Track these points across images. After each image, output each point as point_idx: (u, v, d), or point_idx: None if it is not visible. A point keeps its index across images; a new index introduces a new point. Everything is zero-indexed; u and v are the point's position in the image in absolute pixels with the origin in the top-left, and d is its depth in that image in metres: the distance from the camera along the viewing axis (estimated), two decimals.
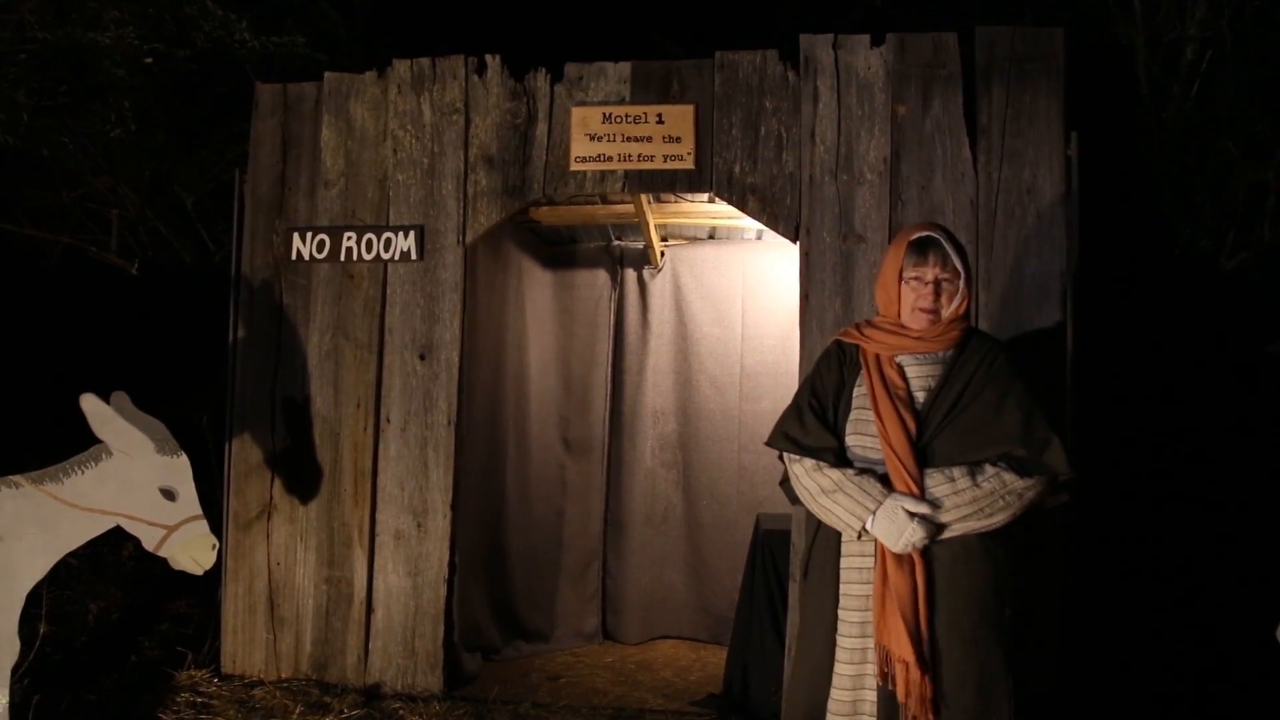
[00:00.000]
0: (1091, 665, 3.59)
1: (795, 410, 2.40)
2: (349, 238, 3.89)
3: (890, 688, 2.14)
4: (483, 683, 4.02)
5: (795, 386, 3.62)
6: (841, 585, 2.26)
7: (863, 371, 2.33)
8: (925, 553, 2.17)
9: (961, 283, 2.30)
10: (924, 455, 2.21)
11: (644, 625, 4.93)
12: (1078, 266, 3.41)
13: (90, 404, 2.68)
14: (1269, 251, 4.46)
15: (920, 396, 2.26)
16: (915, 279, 2.31)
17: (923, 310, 2.30)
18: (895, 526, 2.14)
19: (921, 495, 2.16)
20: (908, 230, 2.39)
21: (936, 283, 2.29)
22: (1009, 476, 2.17)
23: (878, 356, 2.33)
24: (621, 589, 4.96)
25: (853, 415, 2.32)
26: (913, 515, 2.14)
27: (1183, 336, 4.58)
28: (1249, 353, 4.49)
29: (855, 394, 2.33)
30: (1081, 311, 3.43)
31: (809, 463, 2.29)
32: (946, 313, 2.30)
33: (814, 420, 2.34)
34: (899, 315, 2.34)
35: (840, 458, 2.29)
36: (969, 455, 2.20)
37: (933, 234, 2.32)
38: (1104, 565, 3.96)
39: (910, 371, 2.29)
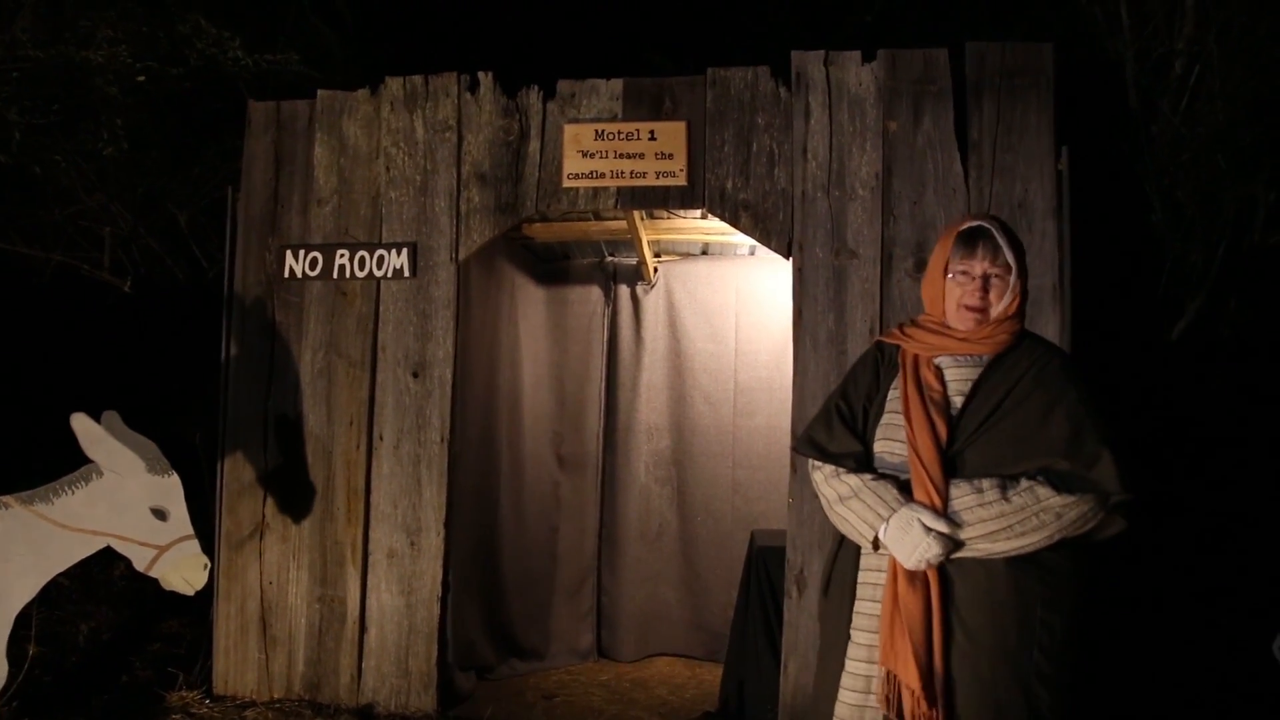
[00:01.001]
0: (1090, 673, 3.58)
1: (824, 415, 2.21)
2: (342, 255, 3.89)
3: (895, 718, 1.93)
4: (477, 702, 3.99)
5: (789, 402, 3.63)
6: (855, 602, 2.07)
7: (899, 374, 2.13)
8: (944, 575, 1.95)
9: (1013, 278, 2.07)
10: (954, 465, 1.99)
11: (639, 642, 4.91)
12: (1070, 280, 3.42)
13: (81, 423, 2.67)
14: (1259, 263, 4.48)
15: (958, 401, 2.05)
16: (962, 273, 2.09)
17: (968, 308, 2.07)
18: (909, 539, 1.93)
19: (944, 507, 1.94)
20: (958, 220, 2.19)
21: (985, 278, 2.07)
22: (1044, 491, 1.91)
23: (915, 358, 2.12)
24: (616, 606, 4.94)
25: (884, 419, 2.12)
26: (929, 530, 1.92)
27: (1176, 350, 4.59)
28: (1244, 364, 4.51)
29: (890, 397, 2.13)
30: (1075, 325, 3.44)
31: (828, 469, 2.12)
32: (996, 311, 2.07)
33: (841, 426, 2.15)
34: (944, 314, 2.13)
35: (863, 464, 2.10)
36: (1005, 467, 1.97)
37: (984, 224, 2.11)
38: (1104, 577, 3.96)
39: (949, 374, 2.09)
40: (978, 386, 2.05)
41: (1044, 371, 2.03)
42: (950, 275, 2.11)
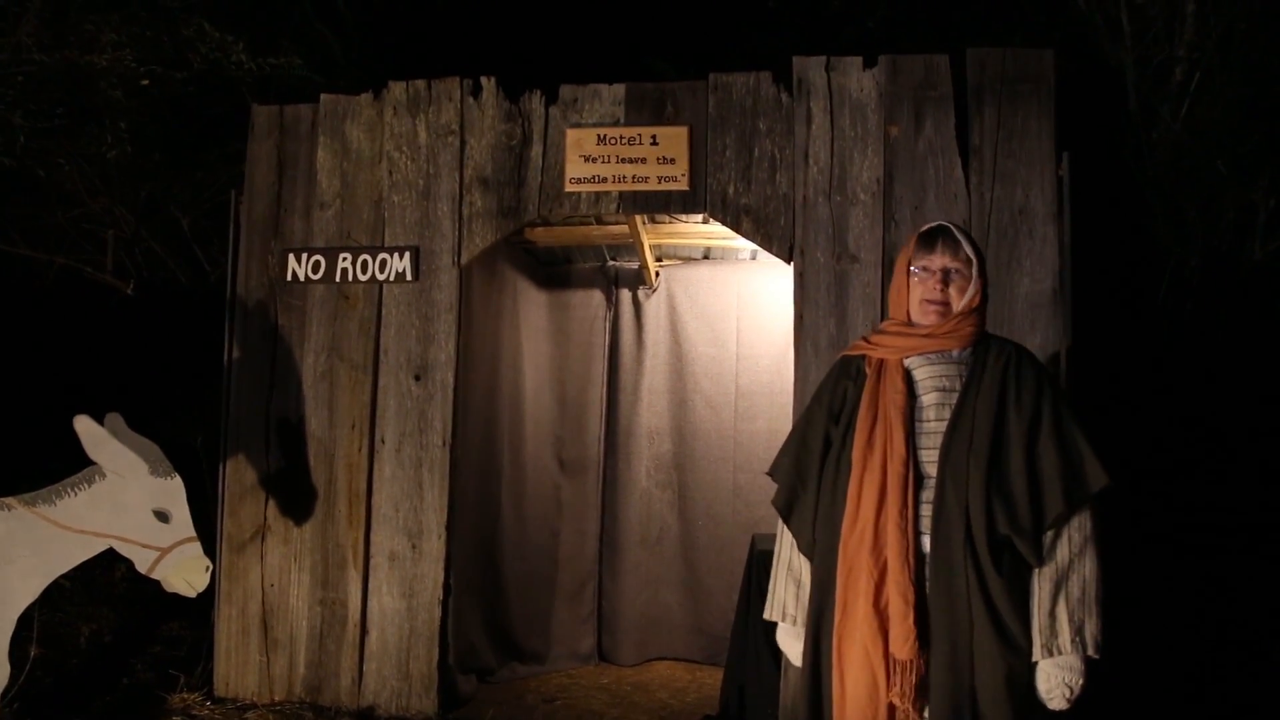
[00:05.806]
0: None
1: (793, 456, 2.22)
2: (344, 259, 3.90)
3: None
4: (478, 705, 4.00)
5: (790, 406, 3.64)
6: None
7: (866, 383, 2.13)
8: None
9: (974, 274, 2.10)
10: (921, 477, 2.01)
11: (640, 646, 4.91)
12: (1070, 285, 3.43)
13: (84, 425, 2.68)
14: (1258, 270, 4.49)
15: (928, 400, 2.06)
16: (923, 268, 2.12)
17: (929, 302, 2.09)
18: (787, 650, 2.25)
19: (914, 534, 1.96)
20: (919, 229, 2.23)
21: (945, 272, 2.09)
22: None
23: (882, 363, 2.12)
24: (617, 610, 4.94)
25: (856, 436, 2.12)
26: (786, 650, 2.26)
27: (1176, 352, 4.60)
28: (1243, 366, 4.51)
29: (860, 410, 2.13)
30: (1075, 330, 3.45)
31: (788, 537, 2.22)
32: (958, 306, 2.09)
33: (810, 474, 2.17)
34: (907, 315, 2.15)
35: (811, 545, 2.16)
36: (975, 496, 1.96)
37: (944, 224, 2.16)
38: (1107, 581, 3.97)
39: (918, 374, 2.09)
40: (960, 406, 2.02)
41: (1020, 397, 2.02)
42: (912, 272, 2.14)
